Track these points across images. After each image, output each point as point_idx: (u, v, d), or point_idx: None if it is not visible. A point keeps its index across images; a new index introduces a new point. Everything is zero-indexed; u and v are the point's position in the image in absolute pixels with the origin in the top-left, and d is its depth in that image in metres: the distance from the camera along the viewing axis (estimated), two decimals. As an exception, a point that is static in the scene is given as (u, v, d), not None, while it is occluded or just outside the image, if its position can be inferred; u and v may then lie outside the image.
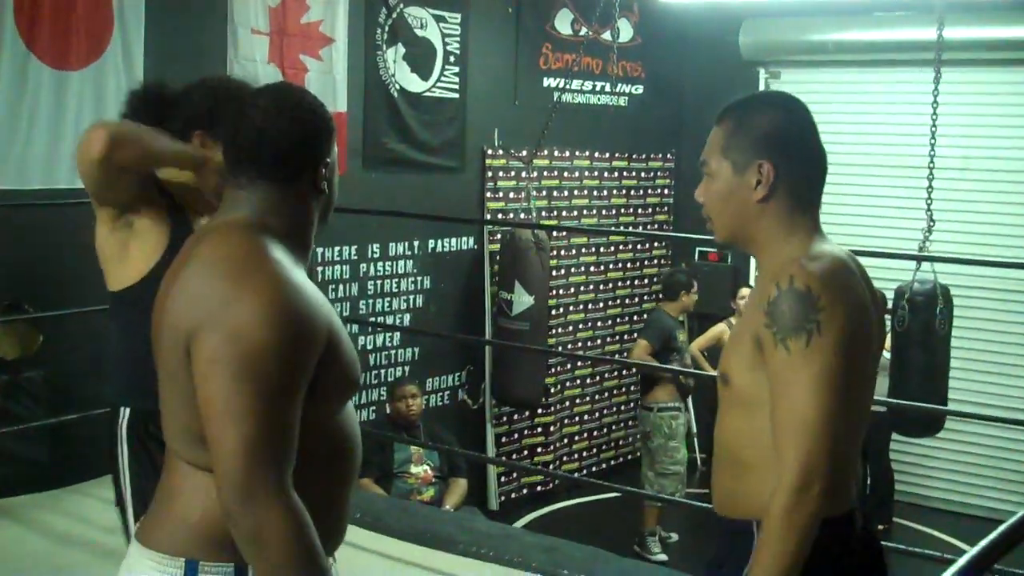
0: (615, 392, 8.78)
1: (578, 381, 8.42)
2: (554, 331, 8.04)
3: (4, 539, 4.06)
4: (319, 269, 6.45)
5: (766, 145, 1.95)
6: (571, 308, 8.31)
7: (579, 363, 8.35)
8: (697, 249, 8.78)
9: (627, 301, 8.81)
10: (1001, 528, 1.35)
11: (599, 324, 8.57)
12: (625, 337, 8.79)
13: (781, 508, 1.74)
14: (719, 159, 2.00)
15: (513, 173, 7.68)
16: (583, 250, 8.37)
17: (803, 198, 1.99)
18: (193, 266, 1.67)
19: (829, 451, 1.75)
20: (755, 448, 1.87)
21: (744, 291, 7.68)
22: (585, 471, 8.46)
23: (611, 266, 8.63)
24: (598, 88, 8.33)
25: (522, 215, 7.63)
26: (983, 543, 1.27)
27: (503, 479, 7.79)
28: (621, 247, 8.70)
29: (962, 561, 1.22)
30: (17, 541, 4.09)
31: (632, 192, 8.73)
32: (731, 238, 2.01)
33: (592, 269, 8.47)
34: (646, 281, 8.94)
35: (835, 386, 1.76)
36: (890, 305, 5.94)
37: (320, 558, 1.59)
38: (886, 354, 6.72)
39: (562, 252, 8.15)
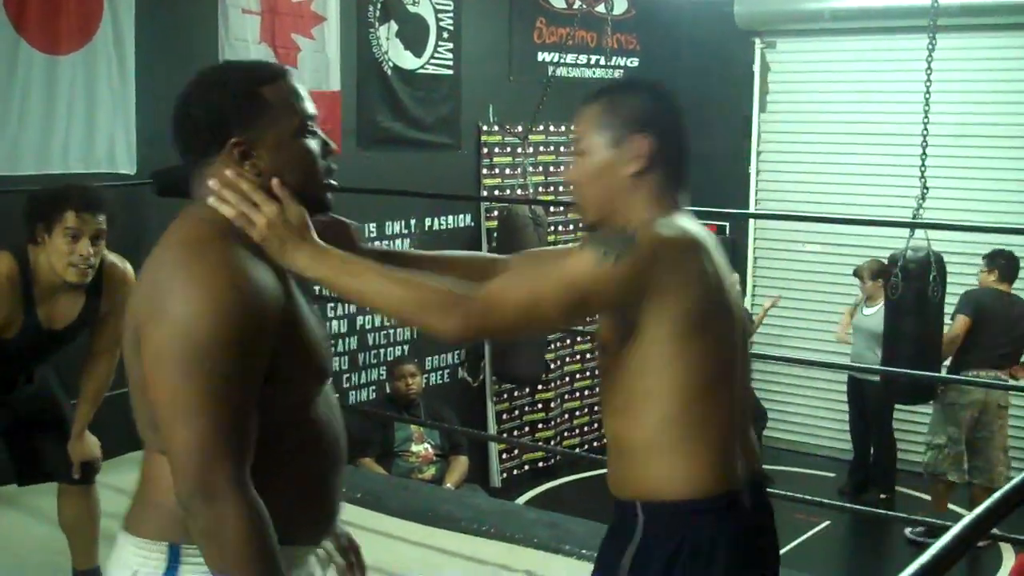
0: (615, 366, 8.76)
1: (578, 356, 8.42)
2: (553, 307, 8.02)
3: (5, 526, 4.06)
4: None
5: (643, 121, 1.94)
6: (570, 283, 8.28)
7: (579, 338, 8.33)
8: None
9: (626, 275, 8.77)
10: (998, 493, 1.35)
11: (598, 299, 8.54)
12: (624, 311, 8.76)
13: None
14: (593, 135, 1.97)
15: (509, 149, 7.66)
16: (580, 225, 8.33)
17: (672, 178, 1.96)
18: (154, 251, 1.68)
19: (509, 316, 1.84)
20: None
21: (734, 277, 7.62)
22: (587, 446, 8.47)
23: (609, 240, 8.58)
24: (593, 62, 8.30)
25: (519, 191, 7.60)
26: (979, 509, 1.26)
27: (504, 456, 7.80)
28: (619, 221, 8.65)
29: (959, 526, 1.21)
30: (18, 527, 4.10)
31: (629, 166, 8.68)
32: (599, 216, 1.97)
33: (590, 244, 8.43)
34: (644, 255, 8.91)
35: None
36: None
37: (274, 558, 1.56)
38: (871, 323, 6.75)
39: (559, 228, 8.13)
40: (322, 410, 1.75)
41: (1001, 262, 6.55)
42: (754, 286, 8.80)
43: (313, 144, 1.73)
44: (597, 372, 8.87)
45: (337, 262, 1.74)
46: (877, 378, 6.92)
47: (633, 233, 1.82)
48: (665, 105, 2.00)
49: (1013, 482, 1.39)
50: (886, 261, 6.08)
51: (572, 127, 2.02)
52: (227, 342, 1.54)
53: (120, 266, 3.36)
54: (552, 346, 8.05)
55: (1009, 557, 6.05)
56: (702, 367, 1.86)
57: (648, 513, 1.89)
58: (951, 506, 6.65)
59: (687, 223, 1.93)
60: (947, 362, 6.46)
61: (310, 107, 1.73)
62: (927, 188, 5.44)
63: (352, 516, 3.34)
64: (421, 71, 7.02)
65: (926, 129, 5.67)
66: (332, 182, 1.78)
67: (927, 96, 5.73)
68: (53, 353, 3.47)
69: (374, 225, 6.85)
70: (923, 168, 5.54)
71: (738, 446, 1.93)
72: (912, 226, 5.59)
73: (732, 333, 1.94)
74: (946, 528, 1.23)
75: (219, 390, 1.54)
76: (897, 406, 7.29)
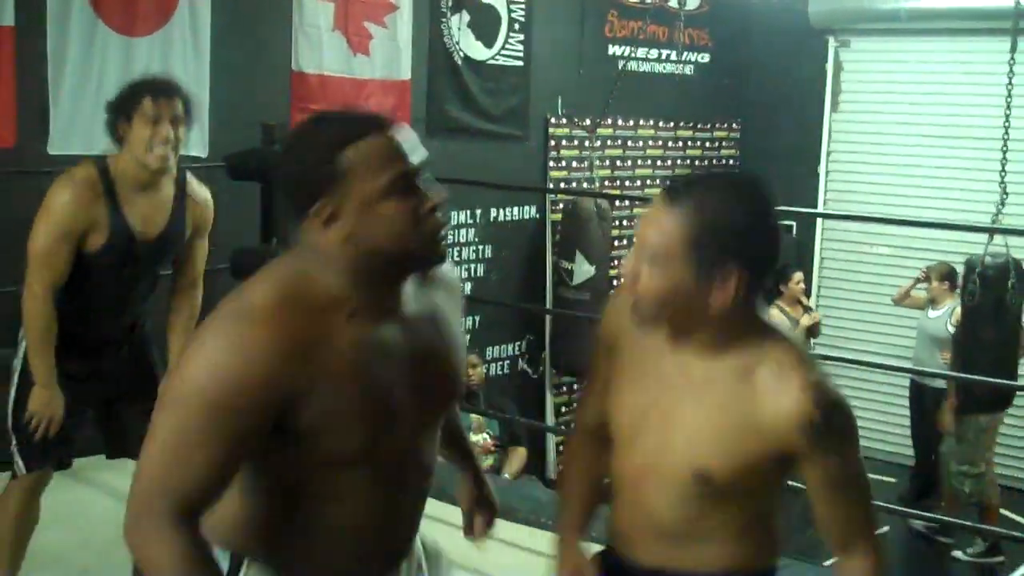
0: (676, 363, 8.72)
1: (639, 352, 8.36)
2: (615, 301, 7.99)
3: (71, 500, 4.12)
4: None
5: (736, 246, 1.69)
6: (633, 278, 8.25)
7: (640, 334, 8.29)
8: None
9: (690, 272, 8.71)
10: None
11: (661, 295, 8.50)
12: (687, 308, 8.72)
13: None
14: (678, 250, 1.70)
15: (576, 142, 7.63)
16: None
17: (755, 296, 1.77)
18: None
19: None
20: None
21: (798, 275, 7.54)
22: (645, 442, 8.42)
23: (674, 237, 8.54)
24: (664, 56, 8.24)
25: (585, 184, 7.58)
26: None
27: (562, 449, 7.78)
28: (684, 218, 8.59)
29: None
30: (84, 502, 4.17)
31: (697, 162, 8.64)
32: (658, 319, 1.79)
33: (655, 239, 8.38)
34: (709, 252, 8.84)
35: None
36: (961, 279, 5.83)
37: None
38: (951, 328, 6.63)
39: (624, 222, 8.08)
40: (351, 503, 1.73)
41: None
42: (819, 287, 8.69)
43: (405, 203, 1.64)
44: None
45: None
46: (937, 383, 6.81)
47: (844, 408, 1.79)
48: (762, 221, 1.73)
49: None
50: (959, 266, 5.97)
51: (647, 223, 1.76)
52: (214, 399, 1.56)
53: (200, 188, 3.39)
54: (613, 341, 8.00)
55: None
56: None
57: None
58: (1013, 516, 6.54)
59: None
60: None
61: (404, 163, 1.64)
62: (1007, 192, 5.34)
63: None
64: (491, 62, 7.02)
65: (1007, 133, 5.56)
66: (440, 232, 1.71)
67: (1008, 100, 5.63)
68: (146, 277, 3.39)
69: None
70: (1003, 173, 5.43)
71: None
72: (991, 231, 5.49)
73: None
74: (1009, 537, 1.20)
75: (188, 436, 1.57)
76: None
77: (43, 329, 3.15)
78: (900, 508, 6.38)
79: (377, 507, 1.75)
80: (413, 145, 1.68)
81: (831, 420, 1.72)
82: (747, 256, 1.70)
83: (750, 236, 1.71)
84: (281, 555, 1.71)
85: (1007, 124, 5.61)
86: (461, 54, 6.80)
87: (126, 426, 3.47)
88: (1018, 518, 7.00)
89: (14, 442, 3.23)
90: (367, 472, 1.71)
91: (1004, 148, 5.56)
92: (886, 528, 6.80)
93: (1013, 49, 5.57)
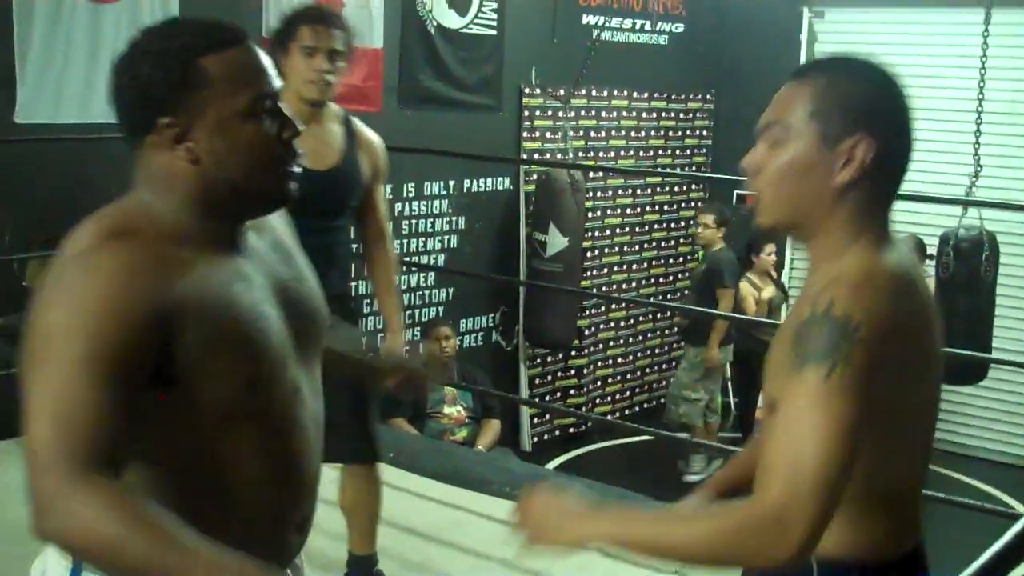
0: (649, 335, 8.73)
1: (612, 324, 8.38)
2: (588, 273, 7.98)
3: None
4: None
5: (867, 117, 1.52)
6: (606, 250, 8.25)
7: (613, 305, 8.30)
8: (735, 192, 8.66)
9: (663, 244, 8.72)
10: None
11: (634, 267, 8.51)
12: (660, 280, 8.72)
13: (745, 522, 1.40)
14: (804, 122, 1.53)
15: (550, 112, 7.59)
16: (619, 192, 8.28)
17: (886, 192, 1.58)
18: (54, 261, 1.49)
19: (818, 500, 1.39)
20: None
21: (770, 247, 7.52)
22: (618, 414, 8.45)
23: (647, 208, 8.54)
24: (638, 26, 8.19)
25: (558, 155, 7.54)
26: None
27: (536, 421, 7.79)
28: (658, 189, 8.60)
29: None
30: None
31: (670, 133, 8.61)
32: (785, 223, 1.59)
33: (628, 211, 8.38)
34: (682, 224, 8.85)
35: (846, 433, 1.42)
36: (934, 251, 5.87)
37: (169, 540, 1.27)
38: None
39: (598, 193, 8.06)
40: (275, 421, 1.53)
41: (733, 219, 7.37)
42: (792, 259, 8.70)
43: (267, 126, 1.49)
44: (631, 340, 8.82)
45: (615, 518, 1.52)
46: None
47: (847, 320, 1.43)
48: (896, 101, 1.57)
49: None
50: (938, 238, 6.00)
51: (772, 108, 1.61)
52: (73, 329, 1.33)
53: (369, 130, 3.24)
54: (586, 313, 8.01)
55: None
56: (895, 443, 1.62)
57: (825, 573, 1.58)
58: (986, 487, 6.56)
59: (896, 257, 1.56)
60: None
61: (269, 81, 1.50)
62: (981, 165, 5.35)
63: (386, 476, 3.35)
64: (464, 30, 6.95)
65: (981, 106, 5.56)
66: (295, 168, 1.53)
67: (982, 71, 5.62)
68: (337, 219, 3.14)
69: (412, 185, 6.82)
70: (977, 145, 5.44)
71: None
72: (965, 204, 5.50)
73: (925, 377, 1.66)
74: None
75: (60, 378, 1.32)
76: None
77: None
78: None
79: (278, 463, 1.53)
80: (272, 66, 1.53)
81: (814, 325, 1.46)
82: (876, 124, 1.52)
83: (878, 103, 1.55)
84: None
85: (981, 96, 5.61)
86: (434, 22, 6.73)
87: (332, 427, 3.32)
88: (1000, 494, 7.05)
89: None
90: (259, 422, 1.50)
91: (978, 121, 5.57)
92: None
93: (987, 20, 5.57)
